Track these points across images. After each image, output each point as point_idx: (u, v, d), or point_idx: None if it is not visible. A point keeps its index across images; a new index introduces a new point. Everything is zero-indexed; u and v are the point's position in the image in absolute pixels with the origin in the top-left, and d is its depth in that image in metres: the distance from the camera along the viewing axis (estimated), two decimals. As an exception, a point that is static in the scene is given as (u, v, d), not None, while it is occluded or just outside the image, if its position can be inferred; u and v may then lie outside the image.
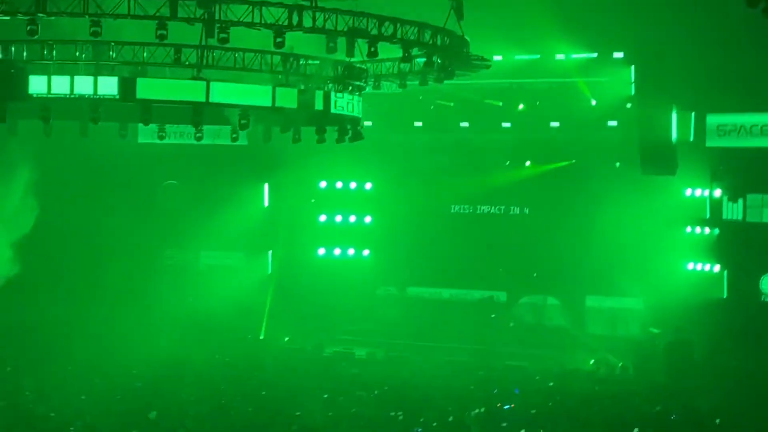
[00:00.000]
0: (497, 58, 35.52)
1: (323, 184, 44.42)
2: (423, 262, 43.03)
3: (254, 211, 43.52)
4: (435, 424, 24.75)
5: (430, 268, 43.07)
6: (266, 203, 44.34)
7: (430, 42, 25.72)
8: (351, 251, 44.24)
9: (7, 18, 22.86)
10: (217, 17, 22.94)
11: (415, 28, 25.34)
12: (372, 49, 24.59)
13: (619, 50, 37.24)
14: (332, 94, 28.21)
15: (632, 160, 36.09)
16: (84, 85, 25.69)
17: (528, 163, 41.95)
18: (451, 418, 25.24)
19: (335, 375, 32.34)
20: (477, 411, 25.93)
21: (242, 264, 43.88)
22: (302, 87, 27.49)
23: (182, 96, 26.42)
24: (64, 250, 39.08)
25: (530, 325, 41.21)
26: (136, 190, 42.32)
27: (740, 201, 36.36)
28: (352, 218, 44.36)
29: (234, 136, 31.06)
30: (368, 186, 44.27)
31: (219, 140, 34.89)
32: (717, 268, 37.33)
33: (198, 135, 30.18)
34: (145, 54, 26.01)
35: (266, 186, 44.26)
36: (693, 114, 36.49)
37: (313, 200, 44.60)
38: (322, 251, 44.32)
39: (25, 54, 25.65)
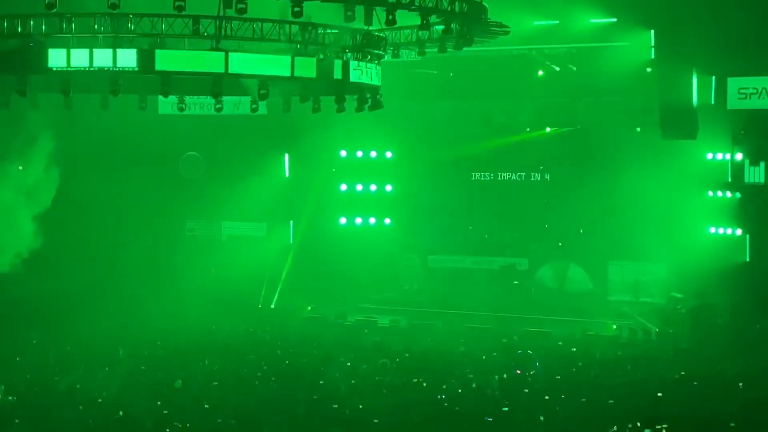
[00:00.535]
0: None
1: (343, 153, 44.39)
2: (444, 230, 43.22)
3: (275, 181, 43.55)
4: (459, 390, 24.86)
5: (451, 236, 43.21)
6: (287, 173, 44.34)
7: (449, 9, 25.55)
8: (372, 220, 44.26)
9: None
10: (235, -13, 22.93)
11: (433, -6, 25.23)
12: (390, 17, 24.54)
13: (638, 15, 36.91)
14: (351, 63, 28.13)
15: (653, 124, 35.96)
16: (103, 57, 25.64)
17: (548, 129, 41.83)
18: (474, 385, 25.33)
19: (358, 343, 32.46)
20: (499, 377, 26.00)
21: (264, 234, 44.00)
22: (321, 56, 27.39)
23: (201, 67, 26.37)
24: (86, 222, 39.21)
25: (553, 291, 41.26)
26: (157, 162, 42.38)
27: (762, 164, 36.10)
28: (373, 187, 44.36)
29: (254, 106, 31.05)
30: (388, 155, 44.20)
31: (239, 111, 34.84)
32: (739, 231, 37.17)
33: (218, 106, 30.24)
34: (163, 26, 25.87)
35: (287, 156, 44.27)
36: (714, 77, 36.19)
37: (333, 170, 44.60)
38: (343, 220, 44.36)
39: (44, 27, 25.61)
